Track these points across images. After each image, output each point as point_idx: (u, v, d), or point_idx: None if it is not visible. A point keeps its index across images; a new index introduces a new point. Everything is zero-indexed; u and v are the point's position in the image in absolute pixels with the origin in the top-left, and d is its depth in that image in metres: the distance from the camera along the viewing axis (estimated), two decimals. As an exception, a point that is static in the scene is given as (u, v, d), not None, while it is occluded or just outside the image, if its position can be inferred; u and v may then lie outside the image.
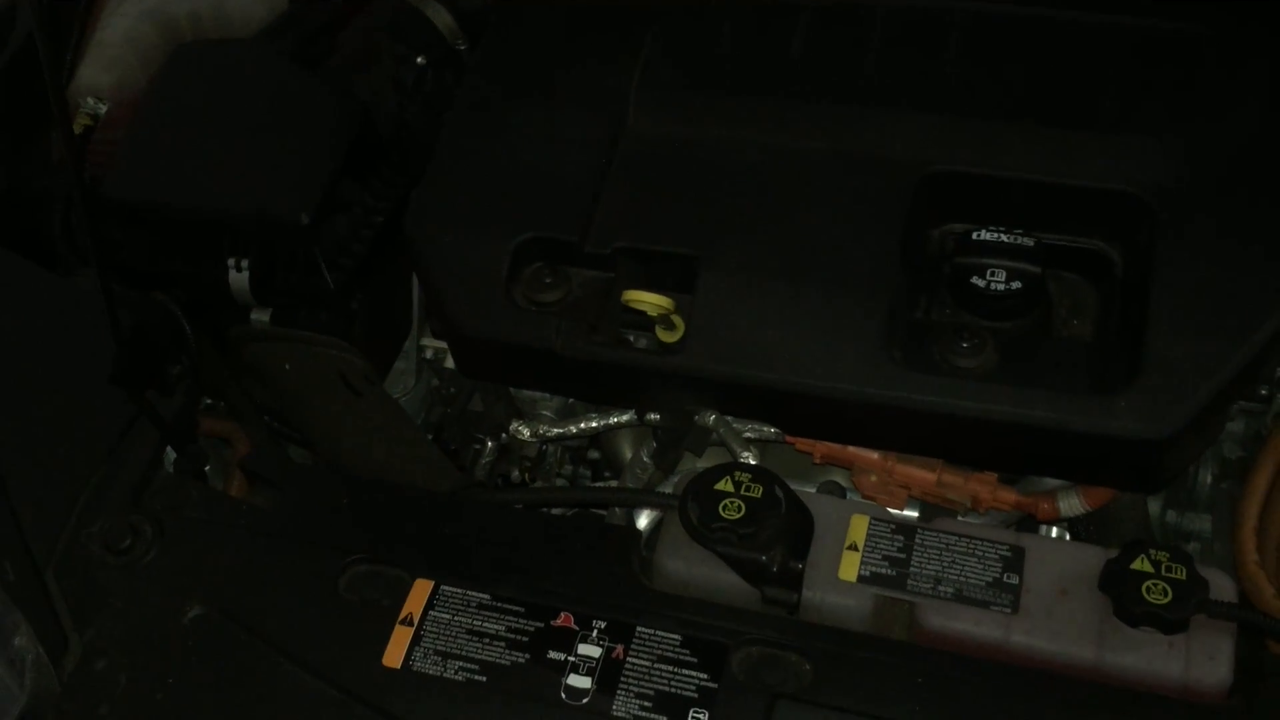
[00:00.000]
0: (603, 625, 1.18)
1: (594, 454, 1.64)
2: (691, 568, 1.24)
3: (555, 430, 1.50)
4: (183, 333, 1.52)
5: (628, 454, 1.55)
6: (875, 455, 1.39)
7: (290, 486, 1.35)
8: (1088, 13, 1.43)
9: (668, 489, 1.43)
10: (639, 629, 1.18)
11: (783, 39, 1.49)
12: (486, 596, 1.21)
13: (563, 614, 1.20)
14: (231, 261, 1.50)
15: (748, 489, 1.24)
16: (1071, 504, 1.35)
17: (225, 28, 1.76)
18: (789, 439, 1.42)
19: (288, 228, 1.48)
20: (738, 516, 1.22)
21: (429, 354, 1.65)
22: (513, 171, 1.47)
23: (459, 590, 1.22)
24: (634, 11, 1.56)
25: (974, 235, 1.36)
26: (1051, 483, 1.39)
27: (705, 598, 1.23)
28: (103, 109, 1.66)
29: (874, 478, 1.40)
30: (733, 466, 1.26)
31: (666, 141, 1.46)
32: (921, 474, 1.38)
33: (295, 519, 1.31)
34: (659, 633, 1.17)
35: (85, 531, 1.29)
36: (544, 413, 1.57)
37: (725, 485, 1.24)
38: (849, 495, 1.44)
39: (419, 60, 1.62)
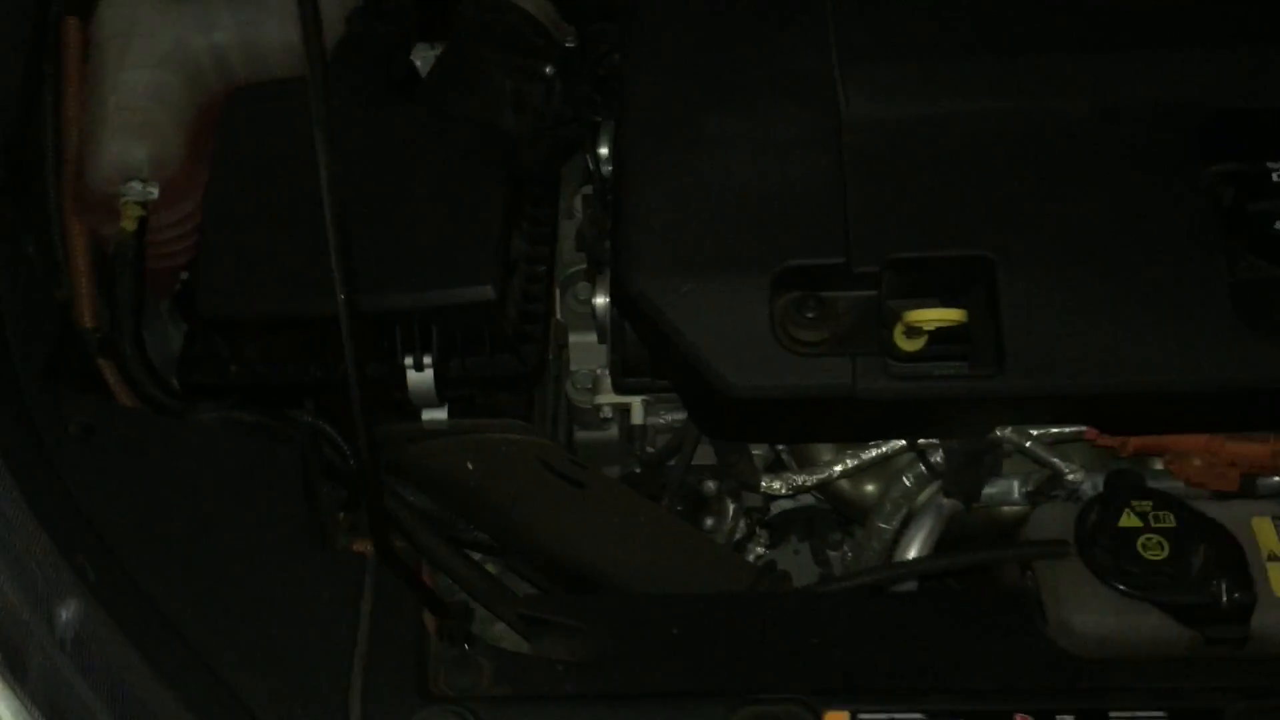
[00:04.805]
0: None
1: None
2: (1109, 620, 1.08)
3: (816, 477, 1.30)
4: (343, 458, 1.24)
5: (848, 488, 1.36)
6: (1198, 438, 1.25)
7: (589, 625, 1.10)
8: None
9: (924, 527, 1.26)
10: (1111, 714, 1.01)
11: None
12: (920, 716, 1.01)
13: (1017, 716, 1.01)
14: (409, 360, 1.21)
15: (1157, 520, 1.08)
16: None
17: (258, 62, 1.40)
18: (1091, 435, 1.26)
19: (473, 308, 1.20)
20: (1164, 555, 1.06)
21: (606, 412, 1.40)
22: (732, 192, 1.23)
23: (882, 714, 1.02)
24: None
25: (1274, 176, 1.22)
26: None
27: (1128, 653, 1.07)
28: (154, 193, 1.31)
29: (1198, 461, 1.26)
30: (1127, 496, 1.10)
31: (895, 126, 1.25)
32: (1255, 448, 1.24)
33: (625, 666, 1.07)
34: (1139, 714, 1.01)
35: None
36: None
37: (1130, 520, 1.08)
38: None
39: (547, 70, 1.32)
